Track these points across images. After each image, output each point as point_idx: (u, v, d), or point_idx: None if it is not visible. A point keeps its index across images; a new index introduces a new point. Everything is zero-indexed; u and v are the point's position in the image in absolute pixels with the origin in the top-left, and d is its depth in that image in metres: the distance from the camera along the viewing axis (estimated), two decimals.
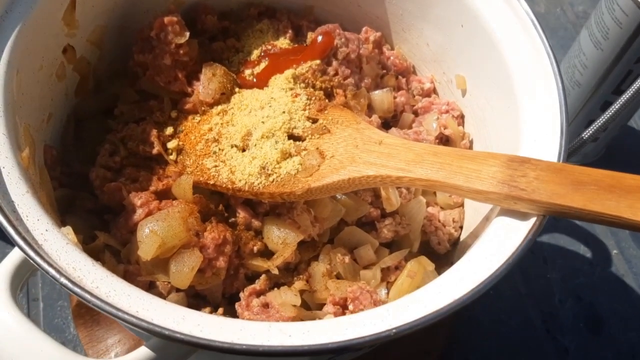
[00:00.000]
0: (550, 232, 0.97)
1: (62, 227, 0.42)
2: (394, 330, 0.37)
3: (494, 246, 0.44)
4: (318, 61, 0.63)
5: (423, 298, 0.41)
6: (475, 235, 0.58)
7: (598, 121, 0.63)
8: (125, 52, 0.66)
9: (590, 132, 0.63)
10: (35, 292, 0.82)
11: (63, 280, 0.37)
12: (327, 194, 0.53)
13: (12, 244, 0.40)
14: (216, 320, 0.38)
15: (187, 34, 0.62)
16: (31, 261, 0.38)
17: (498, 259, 0.42)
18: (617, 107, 0.62)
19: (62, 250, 0.40)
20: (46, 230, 0.41)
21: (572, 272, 0.93)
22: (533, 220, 0.44)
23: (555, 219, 0.98)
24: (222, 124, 0.60)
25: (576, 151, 0.64)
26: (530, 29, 0.54)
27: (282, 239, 0.55)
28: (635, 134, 1.10)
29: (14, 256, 0.44)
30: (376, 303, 0.51)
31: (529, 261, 0.93)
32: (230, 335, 0.37)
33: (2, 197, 0.41)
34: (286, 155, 0.54)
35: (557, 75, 0.51)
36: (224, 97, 0.62)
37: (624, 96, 0.64)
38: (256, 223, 0.57)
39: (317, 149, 0.54)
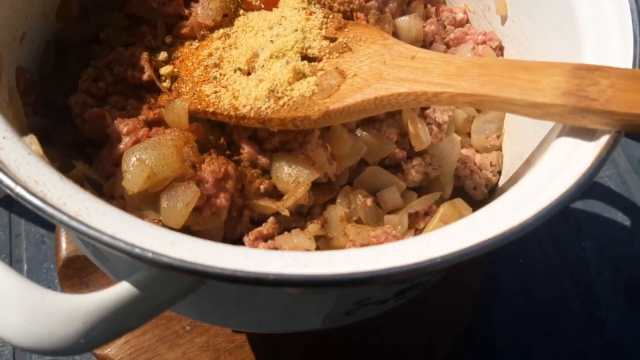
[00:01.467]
0: (585, 198, 0.89)
1: (25, 137, 0.34)
2: (438, 259, 0.29)
3: (557, 168, 0.35)
4: None
5: (471, 226, 0.32)
6: (515, 180, 0.50)
7: None
8: None
9: None
10: (19, 252, 0.75)
11: (19, 190, 0.29)
12: (350, 118, 0.45)
13: None
14: (214, 246, 0.30)
15: None
16: None
17: (563, 183, 0.34)
18: None
19: (23, 160, 0.32)
20: (3, 138, 0.33)
21: (609, 241, 0.86)
22: (606, 137, 0.36)
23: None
24: (223, 48, 0.52)
25: None
26: None
27: (293, 177, 0.47)
28: None
29: None
30: None
31: (561, 229, 0.86)
32: (232, 262, 0.29)
33: None
34: (299, 76, 0.46)
35: None
36: (227, 19, 0.54)
37: None
38: (263, 160, 0.49)
39: (337, 68, 0.46)
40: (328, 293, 0.38)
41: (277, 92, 0.46)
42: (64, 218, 0.29)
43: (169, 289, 0.33)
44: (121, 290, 0.33)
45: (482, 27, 0.59)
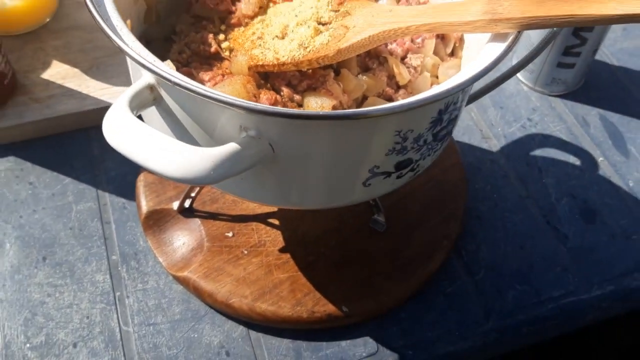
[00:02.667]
0: (542, 147, 1.11)
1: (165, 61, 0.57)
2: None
3: (489, 53, 0.59)
4: None
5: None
6: None
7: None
8: None
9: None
10: (107, 216, 0.96)
11: (179, 81, 0.52)
12: (354, 53, 0.68)
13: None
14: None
15: None
16: (155, 74, 0.52)
17: (489, 60, 0.57)
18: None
19: (171, 71, 0.55)
20: (154, 60, 0.56)
21: (565, 176, 1.08)
22: (512, 35, 0.59)
23: (544, 137, 1.12)
24: (263, 27, 0.75)
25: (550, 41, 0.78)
26: None
27: (319, 104, 0.70)
28: (607, 69, 1.25)
29: (131, 87, 0.59)
30: None
31: (525, 170, 1.08)
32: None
33: (121, 39, 0.56)
34: (318, 32, 0.70)
35: None
36: (262, 10, 0.78)
37: None
38: (297, 97, 0.71)
39: (342, 25, 0.70)
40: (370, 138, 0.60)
41: (304, 44, 0.69)
42: (207, 92, 0.52)
43: (260, 142, 0.56)
44: (230, 146, 0.56)
45: None
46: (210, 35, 0.75)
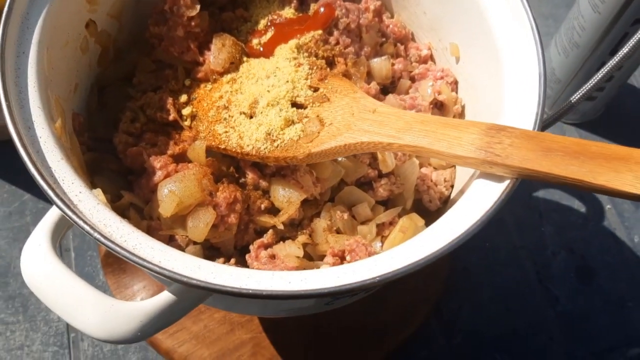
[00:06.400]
0: (546, 187, 1.02)
1: (93, 190, 0.49)
2: (377, 278, 0.44)
3: (470, 207, 0.49)
4: (320, 31, 0.67)
5: (404, 252, 0.47)
6: (462, 193, 0.63)
7: (585, 86, 0.67)
8: (141, 22, 0.71)
9: (578, 96, 0.68)
10: (67, 243, 0.90)
11: (96, 235, 0.44)
12: (326, 158, 0.59)
13: (50, 203, 0.46)
14: (227, 269, 0.45)
15: (198, 7, 0.67)
16: (69, 219, 0.44)
17: (472, 218, 0.48)
18: (602, 73, 0.66)
19: (94, 209, 0.46)
20: (80, 192, 0.47)
21: (566, 225, 0.99)
22: (507, 182, 0.50)
23: None
24: (231, 92, 0.65)
25: (565, 113, 0.68)
26: (521, 10, 0.58)
27: (287, 197, 0.62)
28: (635, 93, 1.13)
29: (53, 214, 0.50)
30: (371, 254, 0.57)
31: (525, 215, 0.99)
32: (239, 282, 0.43)
33: (41, 164, 0.47)
34: (289, 123, 0.60)
35: (539, 49, 0.56)
36: (233, 65, 0.67)
37: (610, 62, 0.68)
38: (263, 183, 0.63)
39: (317, 116, 0.59)
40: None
41: (273, 135, 0.60)
42: (125, 253, 0.44)
43: (196, 295, 0.48)
44: (164, 297, 0.48)
45: (442, 64, 0.72)
46: (170, 100, 0.65)
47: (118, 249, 0.44)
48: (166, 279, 0.44)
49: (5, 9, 0.53)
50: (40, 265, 0.48)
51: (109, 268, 0.86)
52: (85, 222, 0.45)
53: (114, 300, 0.47)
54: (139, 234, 0.46)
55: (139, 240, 0.46)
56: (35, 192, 0.93)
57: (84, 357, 0.82)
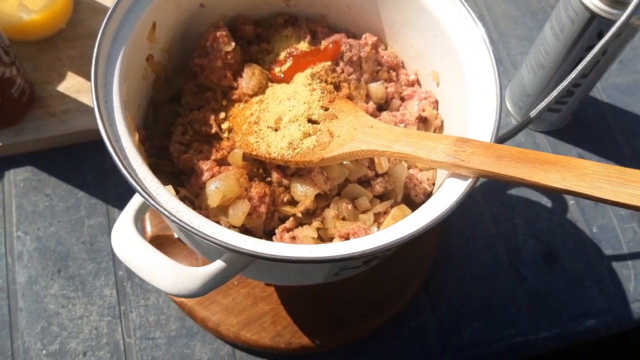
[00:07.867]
0: (519, 187, 1.19)
1: (166, 186, 0.67)
2: (374, 248, 0.61)
3: (442, 198, 0.67)
4: (329, 63, 0.85)
5: (394, 231, 0.64)
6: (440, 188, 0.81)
7: (541, 105, 0.85)
8: (186, 54, 0.88)
9: (536, 112, 0.85)
10: None
11: (173, 218, 0.61)
12: (335, 162, 0.76)
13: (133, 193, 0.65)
14: (265, 243, 0.62)
15: (233, 43, 0.85)
16: (154, 207, 0.62)
17: (443, 206, 0.65)
18: (555, 93, 0.83)
19: (169, 199, 0.64)
20: (157, 188, 0.65)
21: (534, 218, 1.16)
22: (470, 180, 0.67)
23: None
24: (260, 110, 0.83)
25: (526, 125, 0.86)
26: (483, 47, 0.76)
27: (304, 192, 0.79)
28: (597, 105, 1.31)
29: (134, 202, 0.68)
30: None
31: (499, 209, 1.16)
32: (274, 250, 0.61)
33: (129, 167, 0.65)
34: (306, 135, 0.77)
35: (497, 80, 0.73)
36: (261, 89, 0.85)
37: (560, 85, 0.86)
38: (285, 181, 0.80)
39: (328, 130, 0.77)
40: (323, 265, 0.71)
41: (293, 144, 0.77)
42: (194, 230, 0.61)
43: (241, 261, 0.66)
44: (218, 264, 0.66)
45: (425, 87, 0.90)
46: (212, 117, 0.82)
47: (188, 227, 0.62)
48: (221, 248, 0.62)
49: (95, 50, 0.71)
50: (126, 240, 0.65)
51: None
52: (164, 209, 0.62)
53: (183, 266, 0.65)
54: (200, 217, 0.64)
55: (201, 222, 0.63)
56: (87, 190, 1.10)
57: (133, 325, 1.00)
